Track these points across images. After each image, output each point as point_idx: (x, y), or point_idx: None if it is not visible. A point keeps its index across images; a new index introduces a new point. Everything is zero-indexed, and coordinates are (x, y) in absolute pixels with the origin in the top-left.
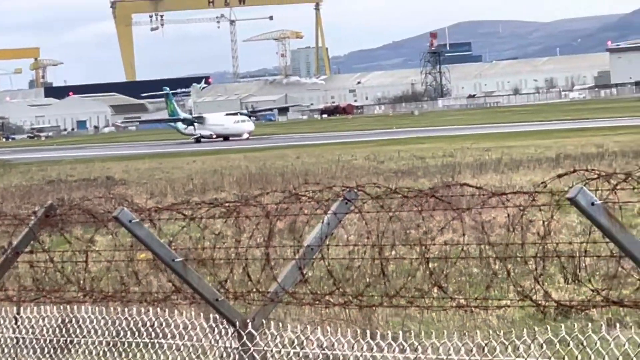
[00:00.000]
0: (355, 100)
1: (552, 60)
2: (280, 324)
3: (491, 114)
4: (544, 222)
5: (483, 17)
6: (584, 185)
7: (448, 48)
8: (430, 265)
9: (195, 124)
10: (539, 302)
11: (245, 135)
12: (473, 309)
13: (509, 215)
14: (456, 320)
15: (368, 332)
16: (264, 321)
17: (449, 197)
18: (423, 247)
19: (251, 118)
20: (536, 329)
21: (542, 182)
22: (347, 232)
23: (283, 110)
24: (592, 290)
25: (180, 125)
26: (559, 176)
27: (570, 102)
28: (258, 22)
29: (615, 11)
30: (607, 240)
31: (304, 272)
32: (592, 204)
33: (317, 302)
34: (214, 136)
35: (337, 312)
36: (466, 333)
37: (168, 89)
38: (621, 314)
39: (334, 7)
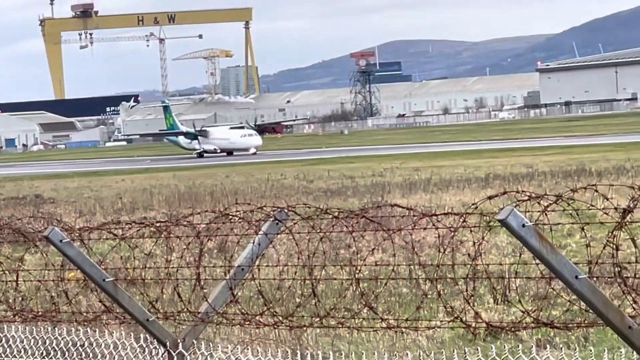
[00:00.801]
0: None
1: (481, 80)
2: (211, 344)
3: (421, 134)
4: (474, 243)
5: (413, 37)
6: (515, 206)
7: (378, 67)
8: (361, 285)
9: (199, 138)
10: (469, 323)
11: (253, 150)
12: (403, 329)
13: (439, 235)
14: (386, 341)
15: (298, 352)
16: (195, 341)
17: (379, 217)
18: (353, 268)
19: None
20: (466, 349)
21: (472, 204)
22: (278, 253)
23: None
24: (522, 311)
25: (182, 139)
26: (490, 198)
27: (499, 122)
28: (188, 40)
29: (544, 31)
30: (538, 261)
31: (235, 292)
32: (523, 225)
33: (247, 323)
34: (218, 151)
35: (267, 332)
36: (396, 354)
37: (167, 101)
38: (551, 335)
39: (264, 26)
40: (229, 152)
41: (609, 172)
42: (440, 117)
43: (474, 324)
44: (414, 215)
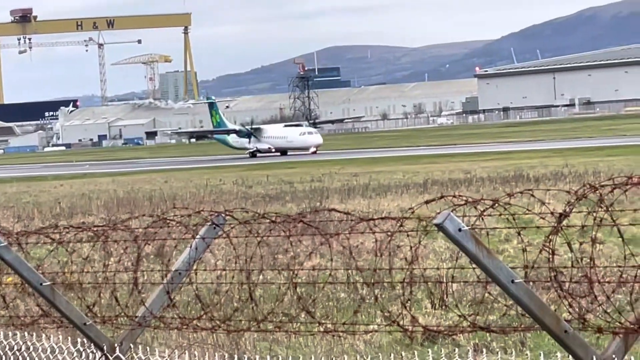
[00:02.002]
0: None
1: (420, 85)
2: (148, 348)
3: (359, 139)
4: (411, 247)
5: (351, 42)
6: (452, 211)
7: (316, 73)
8: (298, 290)
9: (253, 136)
10: (406, 327)
11: (312, 149)
12: (340, 333)
13: (376, 240)
14: (324, 345)
15: (236, 356)
16: (132, 345)
17: (317, 222)
18: (291, 272)
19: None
20: (403, 354)
21: (409, 208)
22: (216, 257)
23: (151, 134)
24: (459, 316)
25: (231, 137)
26: (427, 202)
27: (438, 127)
28: (126, 45)
29: (482, 37)
30: (474, 266)
31: (172, 297)
32: (460, 230)
33: (184, 327)
34: (273, 150)
35: (205, 337)
36: (334, 358)
37: (214, 97)
38: (488, 339)
39: (203, 31)
40: (283, 152)
41: (546, 178)
42: (378, 122)
43: (410, 328)
44: (351, 220)
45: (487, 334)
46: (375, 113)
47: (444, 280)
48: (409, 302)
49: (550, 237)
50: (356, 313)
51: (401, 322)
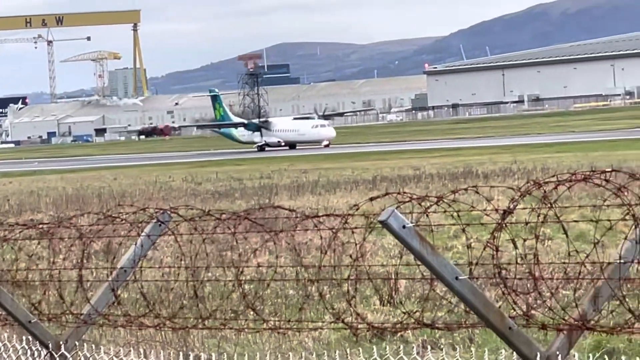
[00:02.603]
0: (173, 122)
1: (369, 82)
2: (94, 346)
3: None
4: (356, 244)
5: (301, 39)
6: (397, 207)
7: (266, 70)
8: (247, 287)
9: (262, 130)
10: (351, 324)
11: (325, 142)
12: (286, 330)
13: (321, 237)
14: (272, 342)
15: (181, 354)
16: (77, 343)
17: (264, 219)
18: (237, 269)
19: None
20: (349, 351)
21: (354, 205)
22: (165, 254)
23: (101, 131)
24: (404, 313)
25: (238, 131)
26: (372, 199)
27: (387, 124)
28: (76, 42)
29: (432, 34)
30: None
31: (117, 294)
32: (404, 226)
33: (130, 324)
34: (282, 143)
35: (153, 334)
36: (280, 355)
37: (217, 90)
38: (436, 336)
39: (152, 28)
40: (292, 145)
41: (495, 174)
42: None
43: (356, 325)
44: (296, 217)
45: (436, 331)
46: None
47: (392, 277)
48: (353, 298)
49: (494, 233)
50: (301, 310)
51: (347, 319)
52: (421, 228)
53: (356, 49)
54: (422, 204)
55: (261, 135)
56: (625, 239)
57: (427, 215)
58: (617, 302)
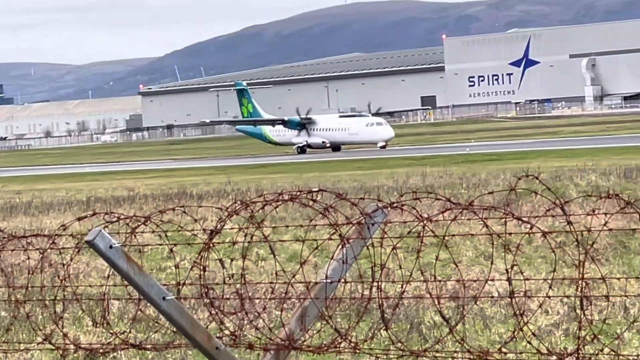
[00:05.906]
0: None
1: (84, 103)
2: None
3: (23, 157)
4: (64, 265)
5: (14, 60)
6: (104, 227)
7: None
8: None
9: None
10: (57, 345)
11: (381, 144)
12: None
13: (29, 257)
14: None
15: None
16: None
17: None
18: None
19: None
20: None
21: (61, 225)
22: None
23: None
24: (111, 334)
25: (273, 130)
26: (79, 219)
27: (102, 145)
28: None
29: (146, 55)
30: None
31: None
32: (111, 246)
33: None
34: (328, 144)
35: None
36: None
37: (244, 83)
38: (149, 357)
39: None
40: (336, 148)
41: (209, 195)
42: (42, 140)
43: (63, 347)
44: (3, 237)
45: (148, 352)
46: (39, 130)
47: (105, 298)
48: (61, 320)
49: (201, 253)
50: (8, 331)
51: (55, 340)
52: (132, 248)
53: (71, 69)
54: (131, 223)
55: (308, 135)
56: (332, 258)
57: (135, 236)
58: (325, 322)
